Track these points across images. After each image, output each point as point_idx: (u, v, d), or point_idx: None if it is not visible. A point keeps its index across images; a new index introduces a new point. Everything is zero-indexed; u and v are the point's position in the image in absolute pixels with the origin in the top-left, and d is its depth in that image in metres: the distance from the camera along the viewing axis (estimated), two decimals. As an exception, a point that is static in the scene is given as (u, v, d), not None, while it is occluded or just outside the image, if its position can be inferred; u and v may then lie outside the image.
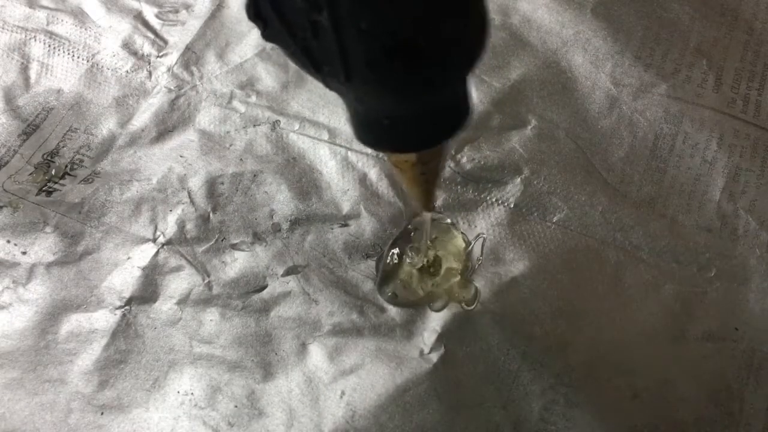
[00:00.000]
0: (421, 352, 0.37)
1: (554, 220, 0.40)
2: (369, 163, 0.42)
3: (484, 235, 0.40)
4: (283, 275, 0.39)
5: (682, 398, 0.36)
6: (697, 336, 0.37)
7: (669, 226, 0.40)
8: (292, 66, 0.46)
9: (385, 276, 0.39)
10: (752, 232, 0.40)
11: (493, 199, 0.41)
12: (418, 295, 0.38)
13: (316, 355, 0.37)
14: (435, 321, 0.37)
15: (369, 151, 0.43)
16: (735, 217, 0.40)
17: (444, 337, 0.37)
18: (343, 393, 0.35)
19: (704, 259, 0.39)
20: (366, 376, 0.36)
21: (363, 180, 0.42)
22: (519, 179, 0.41)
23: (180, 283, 0.38)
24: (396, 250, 0.39)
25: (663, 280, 0.38)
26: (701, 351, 0.37)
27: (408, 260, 0.39)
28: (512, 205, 0.41)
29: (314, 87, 0.45)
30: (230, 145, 0.43)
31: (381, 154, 0.42)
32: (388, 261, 0.39)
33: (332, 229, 0.40)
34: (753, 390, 0.36)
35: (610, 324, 0.37)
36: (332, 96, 0.45)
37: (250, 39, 0.47)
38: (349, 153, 0.43)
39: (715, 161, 0.42)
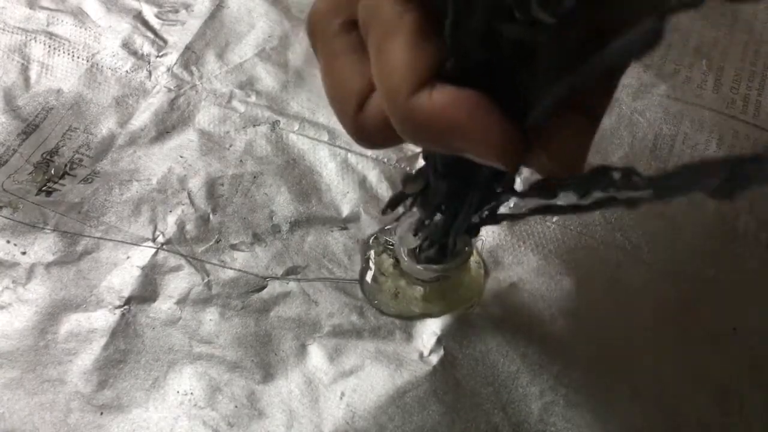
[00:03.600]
0: (421, 355, 0.36)
1: (554, 220, 0.40)
2: (369, 165, 0.42)
3: (483, 238, 0.40)
4: (282, 276, 0.39)
5: (682, 398, 0.36)
6: (697, 336, 0.37)
7: (669, 226, 0.40)
8: (292, 66, 0.46)
9: (370, 285, 0.39)
10: (752, 232, 0.40)
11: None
12: (411, 313, 0.38)
13: (316, 356, 0.37)
14: (434, 323, 0.37)
15: (369, 153, 0.43)
16: (734, 218, 0.40)
17: (443, 339, 0.37)
18: (342, 394, 0.35)
19: (704, 259, 0.39)
20: (366, 378, 0.36)
21: (363, 182, 0.42)
22: (518, 180, 0.41)
23: (179, 282, 0.38)
24: (379, 255, 0.39)
25: (663, 280, 0.38)
26: (701, 351, 0.37)
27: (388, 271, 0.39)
28: (512, 206, 0.41)
29: (314, 87, 0.45)
30: (230, 146, 0.43)
31: (381, 156, 0.42)
32: (368, 267, 0.39)
33: (332, 231, 0.40)
34: (753, 390, 0.36)
35: (609, 324, 0.37)
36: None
37: (249, 39, 0.47)
38: (349, 155, 0.43)
39: (715, 162, 0.42)
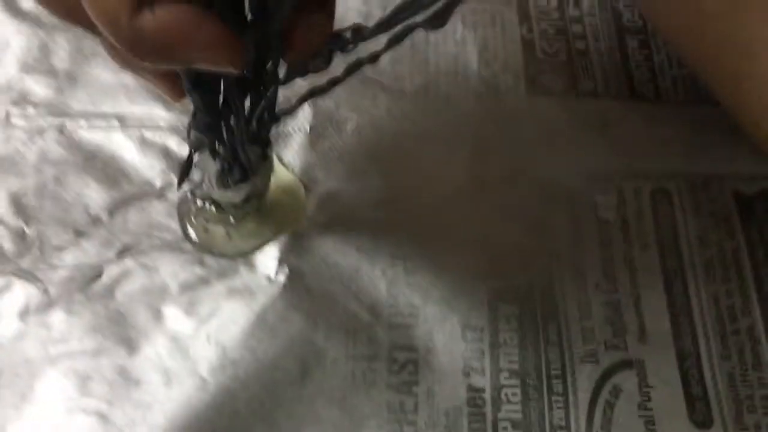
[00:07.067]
0: (269, 278, 0.39)
1: (349, 129, 0.44)
2: (165, 134, 0.44)
3: (291, 163, 0.43)
4: (116, 257, 0.40)
5: (498, 233, 0.41)
6: (495, 180, 0.42)
7: (445, 103, 0.45)
8: (60, 70, 0.46)
9: (201, 239, 0.40)
10: (512, 87, 0.46)
11: (290, 129, 0.44)
12: (249, 247, 0.40)
13: (173, 315, 0.38)
14: (272, 249, 0.40)
15: (162, 124, 0.44)
16: (494, 80, 0.46)
17: (284, 258, 0.39)
18: (208, 336, 0.37)
19: (480, 120, 0.45)
20: (225, 315, 0.38)
21: (165, 152, 0.43)
22: (307, 105, 0.44)
23: (14, 298, 0.38)
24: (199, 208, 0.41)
25: (452, 146, 0.43)
26: (505, 192, 0.42)
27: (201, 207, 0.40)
28: (309, 129, 0.44)
29: (89, 82, 0.46)
30: (22, 160, 0.43)
31: (174, 122, 0.44)
32: (187, 225, 0.41)
33: (151, 204, 0.42)
34: (557, 216, 0.42)
35: (420, 197, 0.42)
36: (110, 86, 0.46)
37: (8, 58, 0.46)
38: (144, 131, 0.44)
39: (466, 39, 0.48)
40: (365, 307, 0.38)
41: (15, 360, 0.36)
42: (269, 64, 0.28)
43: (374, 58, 0.28)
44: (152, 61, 0.24)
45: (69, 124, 0.44)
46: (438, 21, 0.24)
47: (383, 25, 0.25)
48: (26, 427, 0.35)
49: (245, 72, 0.25)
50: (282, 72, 0.29)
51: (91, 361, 0.36)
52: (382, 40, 0.26)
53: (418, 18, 0.24)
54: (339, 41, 0.27)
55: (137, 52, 0.23)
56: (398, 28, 0.25)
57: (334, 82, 0.30)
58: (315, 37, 0.26)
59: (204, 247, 0.40)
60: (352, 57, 0.28)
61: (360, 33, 0.26)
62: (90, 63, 0.47)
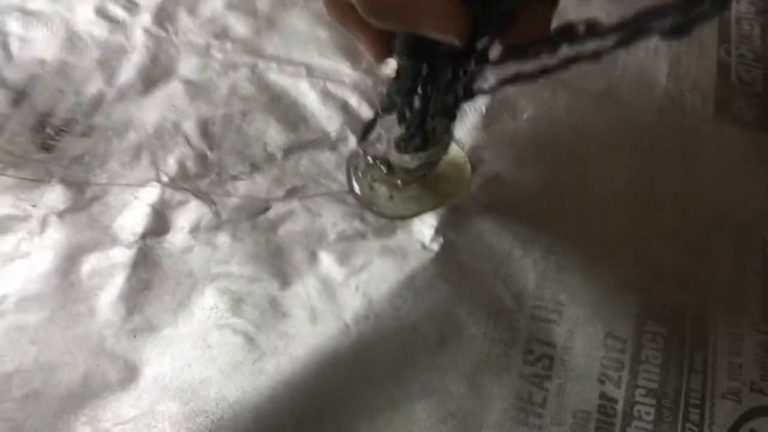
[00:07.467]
0: (423, 245, 0.40)
1: (524, 117, 0.44)
2: (347, 91, 0.45)
3: (463, 141, 0.43)
4: (284, 197, 0.42)
5: (657, 251, 0.40)
6: (667, 198, 0.41)
7: (624, 110, 0.44)
8: (261, 13, 0.49)
9: (365, 194, 0.42)
10: (698, 108, 0.45)
11: (465, 107, 0.44)
12: (408, 211, 0.41)
13: (327, 260, 0.40)
14: (430, 218, 0.41)
15: (345, 80, 0.46)
16: (681, 98, 0.45)
17: (441, 229, 0.40)
18: (357, 287, 0.38)
19: (658, 135, 0.43)
20: (376, 271, 0.39)
21: (345, 107, 0.45)
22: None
23: (189, 214, 0.41)
24: (367, 165, 0.42)
25: (624, 154, 0.43)
26: (671, 211, 0.41)
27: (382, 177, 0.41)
28: (485, 111, 0.44)
29: (285, 28, 0.48)
30: (215, 90, 0.46)
31: (358, 81, 0.45)
32: (353, 179, 0.42)
33: (323, 152, 0.43)
34: (716, 239, 0.40)
35: (584, 197, 0.41)
36: (303, 35, 0.48)
37: (217, -7, 0.50)
38: (328, 84, 0.46)
39: (658, 50, 0.47)
40: (511, 293, 0.39)
41: (180, 269, 0.39)
42: (482, 43, 0.29)
43: (596, 56, 0.27)
44: (382, 21, 0.25)
45: (261, 65, 0.47)
46: (679, 32, 0.23)
47: (622, 26, 0.24)
48: (179, 331, 0.38)
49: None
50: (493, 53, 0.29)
51: (246, 285, 0.39)
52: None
53: (659, 25, 0.23)
54: (570, 34, 0.26)
55: (372, 9, 0.24)
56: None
57: (544, 71, 0.29)
58: (537, 24, 0.26)
59: (366, 203, 0.41)
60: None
61: (594, 29, 0.25)
62: (289, 11, 0.49)
